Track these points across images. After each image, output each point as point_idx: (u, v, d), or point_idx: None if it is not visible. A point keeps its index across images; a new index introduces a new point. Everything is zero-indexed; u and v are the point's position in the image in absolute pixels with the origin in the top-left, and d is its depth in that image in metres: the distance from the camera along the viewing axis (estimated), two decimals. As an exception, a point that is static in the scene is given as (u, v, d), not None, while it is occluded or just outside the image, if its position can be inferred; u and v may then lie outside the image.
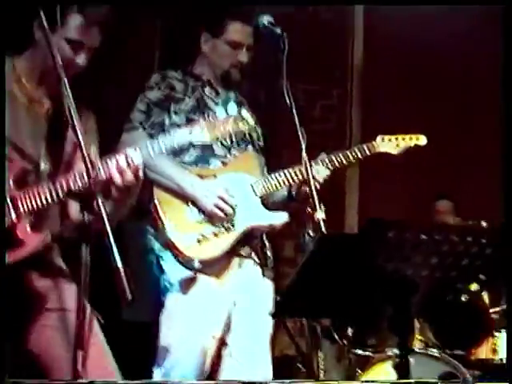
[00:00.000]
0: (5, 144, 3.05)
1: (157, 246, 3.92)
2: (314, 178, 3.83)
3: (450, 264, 2.79)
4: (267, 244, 4.11)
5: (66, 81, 2.83)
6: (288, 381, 2.89)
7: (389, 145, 4.19)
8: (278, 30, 3.69)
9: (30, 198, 3.01)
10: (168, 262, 3.88)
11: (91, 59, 3.17)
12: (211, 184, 3.94)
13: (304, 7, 6.68)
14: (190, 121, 3.99)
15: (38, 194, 3.01)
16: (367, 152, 4.12)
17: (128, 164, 3.00)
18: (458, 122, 6.71)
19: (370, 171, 6.05)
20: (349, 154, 4.09)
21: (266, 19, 3.77)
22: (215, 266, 3.89)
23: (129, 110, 4.02)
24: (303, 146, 3.45)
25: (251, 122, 3.25)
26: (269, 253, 4.11)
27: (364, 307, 2.90)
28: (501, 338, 5.18)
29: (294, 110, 3.48)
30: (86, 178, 2.78)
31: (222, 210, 3.89)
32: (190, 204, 3.91)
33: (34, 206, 3.01)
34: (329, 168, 4.04)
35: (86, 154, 2.76)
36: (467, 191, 6.52)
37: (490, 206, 6.43)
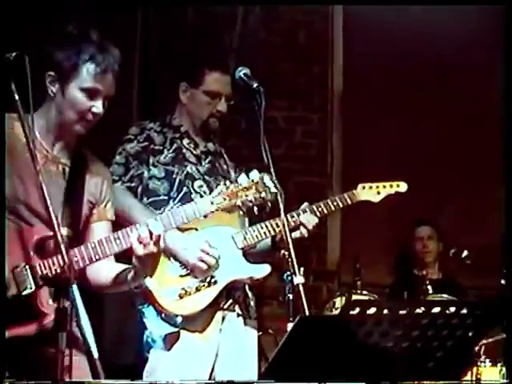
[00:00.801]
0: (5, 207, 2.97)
1: (139, 301, 3.90)
2: (303, 226, 3.86)
3: (432, 335, 2.83)
4: (250, 294, 4.10)
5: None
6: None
7: (369, 193, 4.21)
8: (255, 84, 3.60)
9: (50, 266, 2.92)
10: (150, 319, 3.86)
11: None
12: (192, 237, 3.91)
13: (282, 31, 6.70)
14: (168, 173, 3.99)
15: (58, 262, 2.90)
16: (348, 201, 4.15)
17: (150, 235, 2.97)
18: (442, 144, 6.73)
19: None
20: (330, 203, 4.11)
21: (242, 72, 3.71)
22: (198, 321, 3.87)
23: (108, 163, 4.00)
24: (281, 206, 3.43)
25: (273, 189, 3.22)
26: (252, 303, 4.10)
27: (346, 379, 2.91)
28: (485, 367, 5.24)
29: (271, 170, 3.45)
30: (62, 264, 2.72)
31: (204, 262, 3.87)
32: (171, 258, 3.89)
33: (54, 274, 2.91)
34: (317, 215, 4.05)
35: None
36: (448, 215, 6.55)
37: (473, 229, 6.51)
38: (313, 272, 6.40)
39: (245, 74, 3.67)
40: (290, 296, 3.32)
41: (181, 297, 3.83)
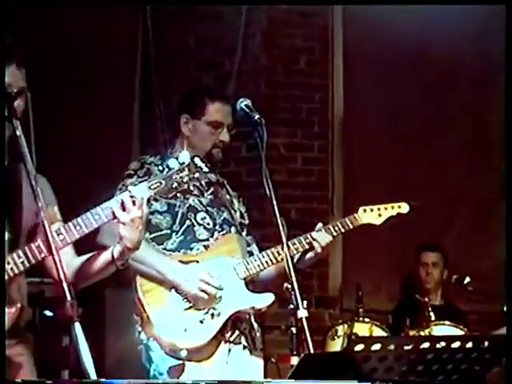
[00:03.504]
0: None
1: (144, 336, 3.89)
2: (316, 242, 3.84)
3: (436, 370, 2.83)
4: (255, 326, 4.07)
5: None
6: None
7: (371, 216, 4.18)
8: (256, 116, 3.62)
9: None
10: (156, 352, 3.85)
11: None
12: (193, 268, 3.90)
13: (282, 57, 6.72)
14: (170, 207, 3.99)
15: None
16: (350, 225, 4.13)
17: (132, 201, 3.01)
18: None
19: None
20: (331, 228, 4.08)
21: (243, 103, 3.72)
22: (203, 353, 3.86)
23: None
24: (284, 239, 3.42)
25: (205, 169, 3.20)
26: (258, 334, 4.06)
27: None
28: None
29: (273, 201, 3.44)
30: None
31: (205, 292, 3.86)
32: (172, 291, 3.88)
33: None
34: (332, 235, 4.04)
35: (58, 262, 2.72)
36: (450, 241, 6.53)
37: (475, 255, 6.50)
38: (314, 299, 6.40)
39: (246, 106, 3.69)
40: (294, 329, 3.32)
41: (185, 330, 3.81)
